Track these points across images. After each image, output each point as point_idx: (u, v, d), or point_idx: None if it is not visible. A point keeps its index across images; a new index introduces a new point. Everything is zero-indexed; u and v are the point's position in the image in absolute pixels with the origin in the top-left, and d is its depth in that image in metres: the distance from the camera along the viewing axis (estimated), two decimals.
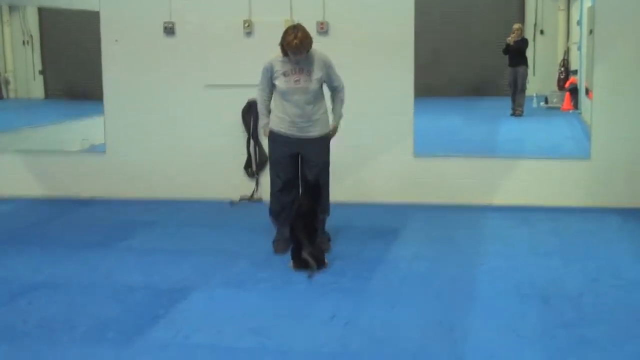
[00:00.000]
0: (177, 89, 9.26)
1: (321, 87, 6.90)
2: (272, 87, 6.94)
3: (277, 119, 6.92)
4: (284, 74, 6.77)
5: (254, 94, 8.70)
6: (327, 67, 6.88)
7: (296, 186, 7.04)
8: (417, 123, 8.88)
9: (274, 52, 6.87)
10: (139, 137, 9.42)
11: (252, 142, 9.20)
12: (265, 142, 7.77)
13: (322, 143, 6.98)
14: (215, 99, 9.14)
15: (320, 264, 6.47)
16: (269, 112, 7.04)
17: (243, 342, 5.07)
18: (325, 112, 6.99)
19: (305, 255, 6.42)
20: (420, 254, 7.01)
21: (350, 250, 7.09)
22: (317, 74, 6.81)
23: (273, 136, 7.01)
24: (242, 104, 9.13)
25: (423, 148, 9.00)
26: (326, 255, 6.68)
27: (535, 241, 7.41)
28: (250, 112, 9.12)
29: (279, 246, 7.04)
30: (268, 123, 7.03)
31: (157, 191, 9.40)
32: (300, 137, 6.88)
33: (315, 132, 6.91)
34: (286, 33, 6.70)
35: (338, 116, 7.09)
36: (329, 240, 7.14)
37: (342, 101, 7.06)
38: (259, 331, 5.22)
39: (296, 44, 6.62)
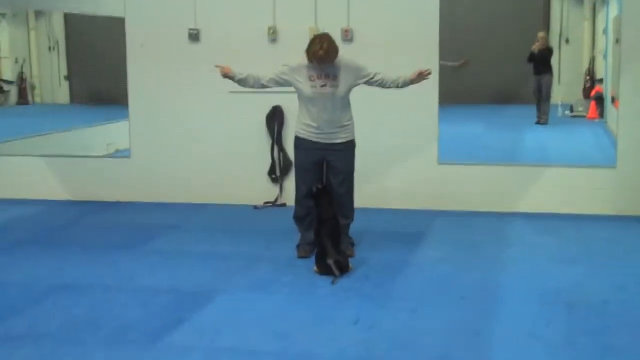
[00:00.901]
0: (201, 94, 9.29)
1: (348, 94, 6.87)
2: (276, 84, 6.93)
3: (303, 125, 6.90)
4: (310, 78, 6.75)
5: (278, 99, 8.82)
6: (357, 70, 6.84)
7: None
8: (441, 130, 8.87)
9: (299, 58, 6.86)
10: (164, 142, 9.46)
11: (276, 147, 9.22)
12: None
13: (348, 149, 6.96)
14: (240, 104, 9.16)
15: (345, 269, 6.47)
16: (247, 80, 6.97)
17: (267, 346, 5.07)
18: (351, 118, 6.96)
19: (330, 262, 6.41)
20: (443, 259, 6.99)
21: (374, 255, 7.08)
22: (344, 81, 6.78)
23: (298, 142, 7.00)
24: (267, 109, 9.15)
25: (447, 155, 8.99)
26: (350, 260, 6.67)
27: (560, 249, 7.37)
28: (274, 118, 9.15)
29: (302, 250, 7.05)
30: (237, 74, 6.95)
31: (181, 195, 9.43)
32: (326, 143, 6.87)
33: (341, 138, 6.90)
34: (312, 42, 6.70)
35: (404, 77, 6.92)
36: (352, 245, 7.14)
37: (389, 75, 6.92)
38: (282, 335, 5.22)
39: (321, 55, 6.61)
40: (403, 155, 8.96)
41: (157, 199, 9.46)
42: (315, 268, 6.56)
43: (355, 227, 7.26)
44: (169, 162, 9.47)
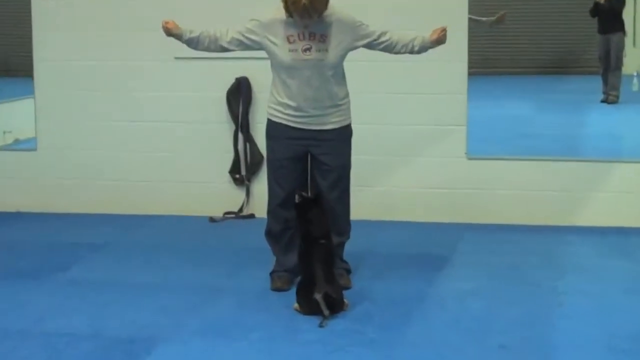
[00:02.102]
0: (136, 62, 9.31)
1: (342, 61, 6.89)
2: (241, 46, 6.96)
3: (279, 105, 6.90)
4: (288, 39, 6.76)
5: (244, 69, 8.84)
6: (356, 29, 6.84)
7: None
8: (471, 112, 8.91)
9: (274, 10, 6.84)
10: (83, 130, 9.47)
11: (241, 136, 9.25)
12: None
13: (342, 138, 6.98)
14: (190, 76, 9.19)
15: (338, 306, 6.49)
16: (200, 40, 6.95)
17: None
18: (347, 95, 6.99)
19: (318, 296, 6.42)
20: (475, 292, 7.03)
21: (379, 286, 7.12)
22: (337, 43, 6.79)
23: (272, 129, 7.02)
24: (228, 83, 9.18)
25: (479, 147, 9.03)
26: (345, 293, 6.72)
27: (635, 276, 7.44)
28: (238, 95, 9.18)
29: (278, 280, 7.08)
30: (186, 32, 6.92)
31: (108, 204, 9.47)
32: (312, 130, 6.89)
33: (332, 123, 6.91)
34: None
35: (421, 38, 7.00)
36: (348, 272, 7.19)
37: (400, 35, 6.98)
38: None
39: (304, 4, 6.57)
40: (418, 148, 9.01)
41: (76, 208, 9.48)
42: (296, 305, 6.59)
43: (351, 248, 7.31)
44: (91, 157, 9.48)
